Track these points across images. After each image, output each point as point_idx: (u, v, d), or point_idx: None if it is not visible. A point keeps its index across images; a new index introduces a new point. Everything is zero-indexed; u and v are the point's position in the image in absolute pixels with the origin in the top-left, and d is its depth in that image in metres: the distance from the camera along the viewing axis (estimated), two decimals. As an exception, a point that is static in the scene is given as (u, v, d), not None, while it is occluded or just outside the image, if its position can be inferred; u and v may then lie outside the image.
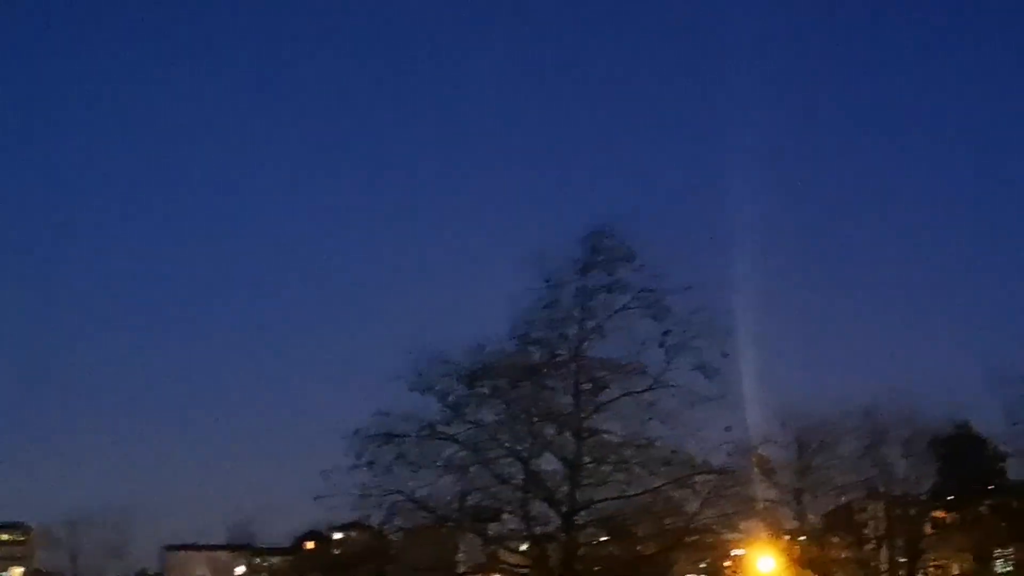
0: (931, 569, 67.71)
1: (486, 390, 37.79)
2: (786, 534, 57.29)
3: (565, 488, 37.27)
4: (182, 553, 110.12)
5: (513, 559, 39.89)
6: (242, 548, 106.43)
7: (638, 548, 40.11)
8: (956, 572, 67.93)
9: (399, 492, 36.51)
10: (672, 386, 36.80)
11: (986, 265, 69.12)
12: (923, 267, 70.29)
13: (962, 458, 60.43)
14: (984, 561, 63.29)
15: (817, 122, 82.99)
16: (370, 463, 36.10)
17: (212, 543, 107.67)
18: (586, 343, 37.82)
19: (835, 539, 62.90)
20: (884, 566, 62.33)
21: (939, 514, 64.02)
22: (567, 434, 37.48)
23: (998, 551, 63.38)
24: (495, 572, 42.54)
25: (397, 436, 36.53)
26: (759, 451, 44.97)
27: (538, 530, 38.21)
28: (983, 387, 56.09)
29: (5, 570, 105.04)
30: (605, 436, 37.56)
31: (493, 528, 39.65)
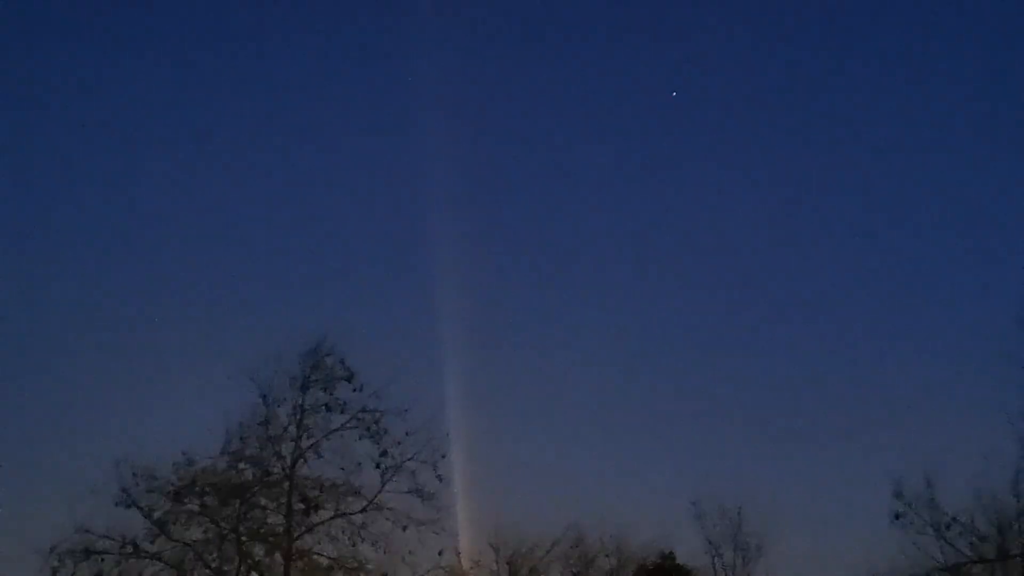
0: None
1: (194, 507, 42.25)
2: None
3: (272, 611, 41.87)
4: None
5: None
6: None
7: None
8: None
9: (96, 612, 39.52)
10: (386, 508, 43.19)
11: (687, 394, 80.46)
12: (631, 398, 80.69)
13: (667, 587, 70.51)
14: None
15: (525, 243, 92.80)
16: (66, 581, 39.36)
17: None
18: (301, 462, 43.30)
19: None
20: None
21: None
22: (277, 555, 42.40)
23: None
24: None
25: (97, 553, 40.15)
26: (469, 576, 52.48)
27: (241, 653, 42.06)
28: (687, 518, 66.24)
29: None
30: (315, 558, 43.03)
31: (195, 651, 42.61)
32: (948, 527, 47.67)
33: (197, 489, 42.62)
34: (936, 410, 68.14)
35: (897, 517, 48.13)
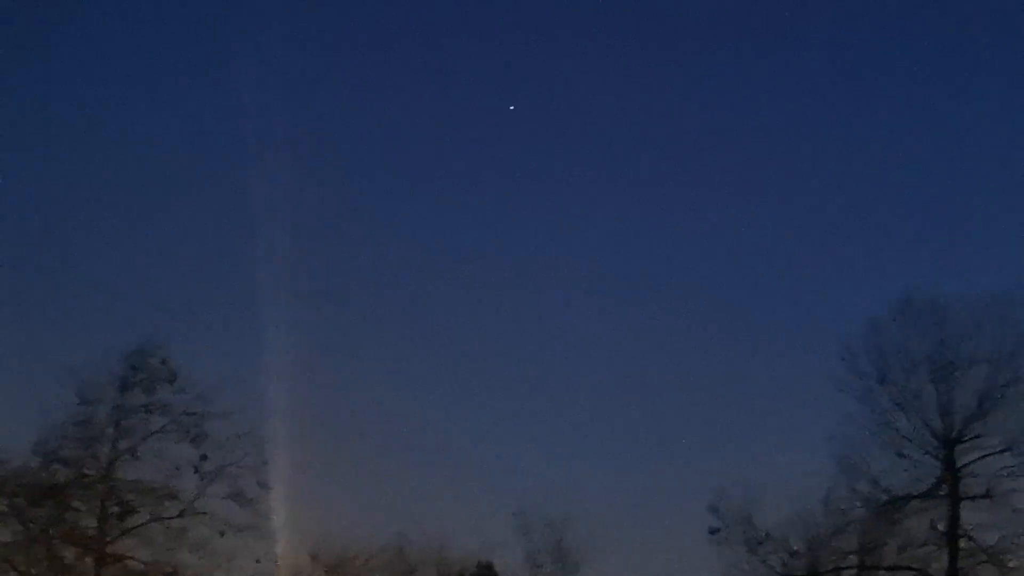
0: None
1: (3, 508, 43.37)
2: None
3: (78, 617, 43.01)
4: None
5: None
6: None
7: None
8: None
9: None
10: (204, 514, 45.27)
11: (511, 405, 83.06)
12: (456, 409, 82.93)
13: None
14: None
15: (363, 253, 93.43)
16: None
17: None
18: (117, 464, 44.96)
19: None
20: None
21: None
22: (88, 559, 43.99)
23: None
24: None
25: None
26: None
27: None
28: (510, 530, 69.83)
29: None
30: (129, 562, 44.61)
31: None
32: (761, 543, 51.88)
33: (7, 489, 43.67)
34: (758, 428, 72.84)
35: (712, 532, 52.19)
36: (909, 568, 47.67)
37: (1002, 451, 45.10)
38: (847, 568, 51.02)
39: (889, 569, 48.98)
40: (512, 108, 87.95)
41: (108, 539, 44.71)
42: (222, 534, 45.60)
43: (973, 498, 45.51)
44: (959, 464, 45.78)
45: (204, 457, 46.07)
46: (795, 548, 51.99)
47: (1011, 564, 44.60)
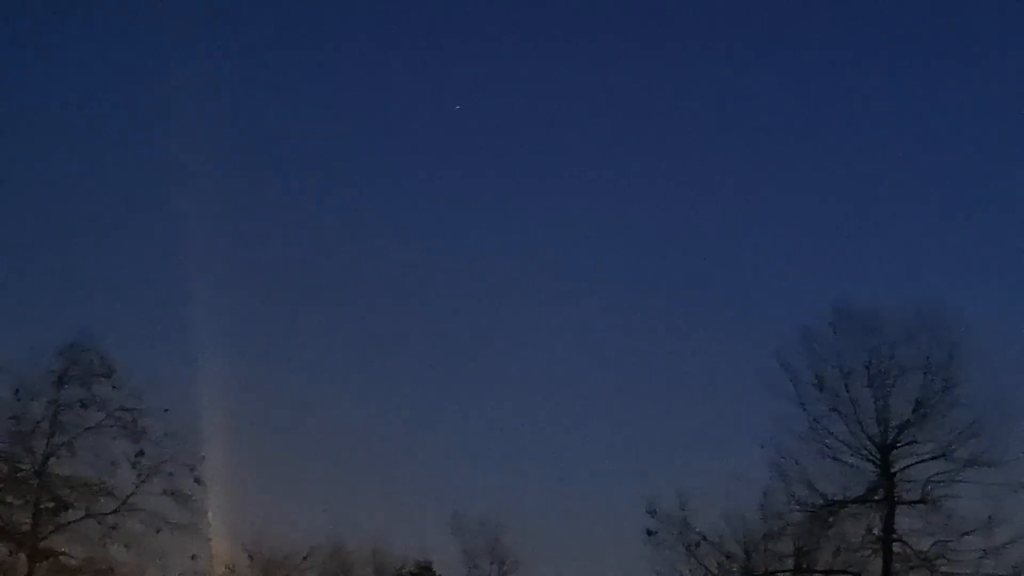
0: None
1: None
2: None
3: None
4: None
5: None
6: None
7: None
8: None
9: None
10: (140, 510, 45.35)
11: (450, 405, 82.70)
12: (392, 409, 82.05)
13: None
14: None
15: (297, 250, 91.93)
16: None
17: None
18: (53, 459, 44.75)
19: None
20: None
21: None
22: (21, 555, 43.86)
23: None
24: None
25: None
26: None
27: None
28: (447, 530, 70.17)
29: None
30: (62, 559, 44.54)
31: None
32: (697, 546, 52.69)
33: (-63, 484, 42.86)
34: (693, 432, 73.27)
35: (649, 534, 52.83)
36: (844, 572, 48.56)
37: (936, 457, 45.93)
38: (782, 571, 51.83)
39: (824, 573, 49.84)
40: (458, 108, 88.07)
41: (41, 535, 44.54)
42: (158, 531, 45.58)
43: (908, 503, 46.39)
44: (894, 469, 46.63)
45: (140, 453, 45.91)
46: (731, 550, 52.76)
47: (944, 569, 45.42)
